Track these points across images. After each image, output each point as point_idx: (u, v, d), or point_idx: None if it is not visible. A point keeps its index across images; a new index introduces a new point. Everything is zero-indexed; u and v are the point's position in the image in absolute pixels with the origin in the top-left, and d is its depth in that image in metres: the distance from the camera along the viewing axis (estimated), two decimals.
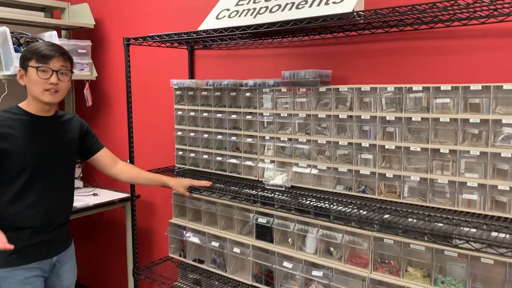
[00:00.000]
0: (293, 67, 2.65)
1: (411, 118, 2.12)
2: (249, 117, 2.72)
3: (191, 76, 3.23)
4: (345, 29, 2.38)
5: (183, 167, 3.14)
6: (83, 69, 3.61)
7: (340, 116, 2.34)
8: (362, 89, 2.25)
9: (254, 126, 2.75)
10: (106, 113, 3.96)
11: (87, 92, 3.63)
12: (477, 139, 1.99)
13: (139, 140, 3.66)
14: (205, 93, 2.93)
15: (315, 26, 2.08)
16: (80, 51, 3.60)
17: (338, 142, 2.37)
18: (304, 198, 2.32)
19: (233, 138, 2.81)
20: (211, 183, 2.52)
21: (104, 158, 2.48)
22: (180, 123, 3.13)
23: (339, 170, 2.38)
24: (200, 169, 3.04)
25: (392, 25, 2.20)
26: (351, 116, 2.31)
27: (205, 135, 2.96)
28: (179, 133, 3.12)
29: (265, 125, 2.70)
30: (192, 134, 3.04)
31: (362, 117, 2.27)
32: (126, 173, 2.53)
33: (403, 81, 2.26)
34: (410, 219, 1.97)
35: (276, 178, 2.56)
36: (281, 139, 2.59)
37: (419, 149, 2.12)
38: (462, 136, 2.00)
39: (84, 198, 3.37)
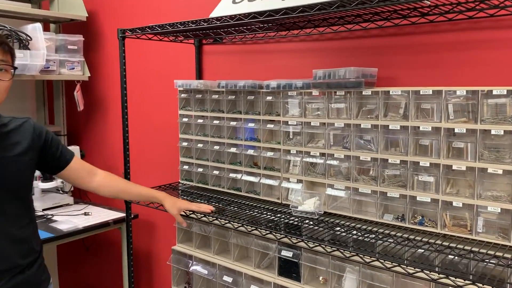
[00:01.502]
0: (326, 64, 2.15)
1: (489, 131, 1.61)
2: (270, 126, 2.22)
3: (199, 76, 2.74)
4: (395, 16, 1.88)
5: (188, 184, 2.65)
6: (73, 68, 3.12)
7: (390, 127, 1.84)
8: (421, 93, 1.75)
9: (277, 137, 2.25)
10: (100, 119, 3.47)
11: (77, 94, 3.14)
12: None
13: (137, 151, 3.16)
14: (216, 96, 2.44)
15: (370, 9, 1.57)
16: (70, 47, 3.12)
17: (387, 160, 1.86)
18: (341, 229, 1.82)
19: (251, 151, 2.31)
20: (212, 208, 2.08)
21: (78, 170, 1.90)
22: (185, 132, 2.63)
23: (388, 195, 1.87)
24: (209, 187, 2.54)
25: (459, 11, 1.69)
26: (405, 127, 1.81)
27: (216, 147, 2.46)
28: (185, 143, 2.62)
29: (291, 136, 2.20)
30: (200, 145, 2.54)
31: (420, 128, 1.76)
32: (108, 186, 1.99)
33: (477, 82, 1.76)
34: (486, 264, 1.47)
35: (305, 202, 2.06)
36: (311, 153, 2.09)
37: (500, 172, 1.61)
38: None
39: (73, 219, 2.88)
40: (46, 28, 3.35)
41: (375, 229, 1.85)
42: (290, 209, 2.03)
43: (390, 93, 1.83)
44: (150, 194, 2.08)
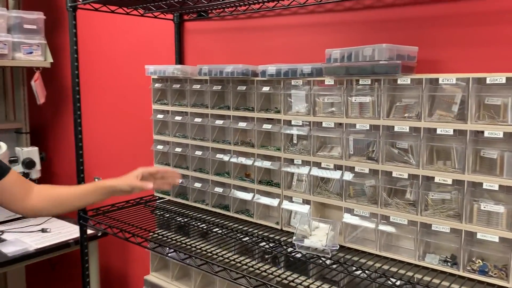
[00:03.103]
0: (344, 43, 1.57)
1: None
2: (267, 126, 1.66)
3: (180, 61, 2.17)
4: None
5: (164, 199, 2.09)
6: (31, 52, 2.57)
7: (438, 131, 1.27)
8: (488, 81, 1.18)
9: (276, 141, 1.69)
10: (67, 114, 2.91)
11: (36, 84, 2.59)
12: None
13: (103, 156, 2.62)
14: (198, 86, 1.87)
15: None
16: (27, 26, 2.57)
17: (432, 178, 1.30)
18: (363, 273, 1.27)
19: (242, 159, 1.75)
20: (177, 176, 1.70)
21: (15, 186, 1.41)
22: (161, 133, 2.07)
23: (432, 227, 1.31)
24: (189, 203, 1.99)
25: None
26: (461, 132, 1.24)
27: (198, 153, 1.90)
28: (160, 147, 2.06)
29: (295, 141, 1.63)
30: (178, 149, 1.98)
31: (485, 134, 1.19)
32: (46, 200, 1.47)
33: None
34: None
35: (314, 233, 1.49)
36: (323, 165, 1.53)
37: None
38: None
39: (26, 238, 2.34)
40: (4, 4, 2.79)
41: (411, 274, 1.30)
42: (294, 243, 1.47)
43: (440, 81, 1.26)
44: (93, 187, 1.55)
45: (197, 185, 1.93)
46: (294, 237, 1.47)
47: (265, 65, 1.61)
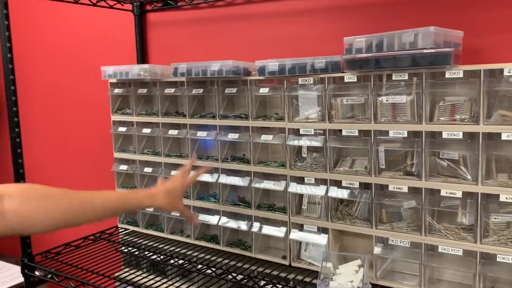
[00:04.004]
0: (365, 29, 1.26)
1: None
2: (267, 138, 1.32)
3: (142, 59, 1.78)
4: None
5: (131, 230, 1.69)
6: None
7: (502, 136, 0.99)
8: None
9: (279, 155, 1.36)
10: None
11: None
12: None
13: (53, 177, 2.15)
14: (172, 90, 1.49)
15: None
16: None
17: (496, 197, 1.01)
18: None
19: (233, 179, 1.40)
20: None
21: None
22: (123, 149, 1.67)
23: (497, 259, 1.03)
24: (165, 235, 1.60)
25: None
26: None
27: (174, 173, 1.52)
28: (123, 167, 1.66)
29: (304, 154, 1.31)
30: (147, 169, 1.59)
31: None
32: (27, 211, 0.89)
33: None
34: None
35: (340, 272, 1.17)
36: (344, 183, 1.21)
37: None
38: None
39: None
40: None
41: None
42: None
43: (506, 73, 0.98)
44: (121, 199, 1.10)
45: (175, 212, 1.55)
46: (318, 284, 1.13)
47: (264, 61, 1.27)
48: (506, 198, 1.01)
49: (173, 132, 1.51)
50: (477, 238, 1.05)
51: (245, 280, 1.28)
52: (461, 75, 1.02)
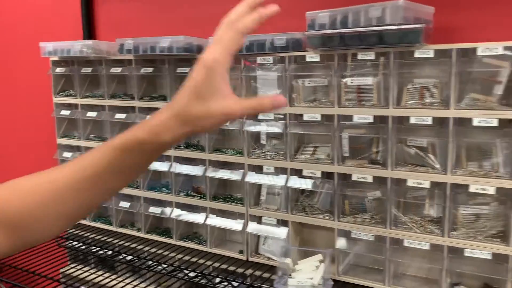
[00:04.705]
0: (329, 3, 1.15)
1: None
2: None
3: (89, 34, 1.61)
4: None
5: (77, 224, 1.55)
6: None
7: (474, 122, 0.91)
8: None
9: (237, 142, 1.25)
10: None
11: None
12: None
13: None
14: (119, 69, 1.35)
15: None
16: None
17: (465, 187, 0.94)
18: None
19: (187, 169, 1.28)
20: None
21: None
22: (67, 135, 1.52)
23: (465, 253, 0.96)
24: (114, 228, 1.47)
25: None
26: (501, 122, 0.89)
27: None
28: (67, 155, 1.51)
29: (263, 141, 1.20)
30: None
31: None
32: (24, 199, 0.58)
33: None
34: None
35: (299, 268, 1.08)
36: (304, 173, 1.11)
37: None
38: None
39: None
40: None
41: None
42: (275, 287, 1.04)
43: (479, 52, 0.89)
44: (120, 143, 0.58)
45: (124, 204, 1.42)
46: (275, 282, 1.04)
47: None
48: (476, 189, 0.94)
49: (120, 116, 1.37)
50: (445, 231, 0.98)
51: (198, 277, 1.18)
52: (431, 54, 0.94)
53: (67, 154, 1.51)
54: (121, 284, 1.27)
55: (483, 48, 0.89)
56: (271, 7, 0.59)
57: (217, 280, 1.15)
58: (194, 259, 1.28)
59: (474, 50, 0.90)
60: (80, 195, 0.57)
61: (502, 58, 0.89)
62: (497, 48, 0.88)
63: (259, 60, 1.13)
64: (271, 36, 1.09)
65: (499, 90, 0.91)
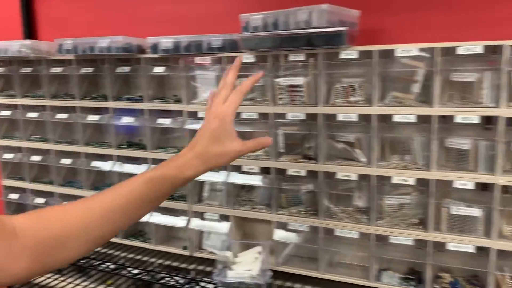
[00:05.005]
0: (264, 5, 1.20)
1: None
2: (164, 121, 1.23)
3: (29, 34, 1.59)
4: None
5: None
6: None
7: (395, 118, 0.99)
8: (458, 52, 0.92)
9: (179, 140, 1.28)
10: None
11: None
12: None
13: None
14: (60, 69, 1.35)
15: None
16: None
17: (389, 178, 1.02)
18: None
19: (129, 167, 1.29)
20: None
21: None
22: (8, 136, 1.50)
23: (390, 240, 1.04)
24: None
25: None
26: (420, 118, 0.97)
27: (66, 161, 1.39)
28: (8, 156, 1.49)
29: None
30: (36, 158, 1.44)
31: (455, 120, 0.94)
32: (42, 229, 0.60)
33: None
34: None
35: (239, 260, 1.13)
36: (244, 168, 1.16)
37: None
38: None
39: None
40: None
41: None
42: (214, 279, 1.08)
43: (398, 54, 0.97)
44: (149, 179, 0.70)
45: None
46: (215, 273, 1.08)
47: (157, 37, 1.17)
48: (398, 180, 1.01)
49: (62, 116, 1.36)
50: (372, 220, 1.05)
51: (141, 274, 1.20)
52: (355, 55, 1.00)
53: (8, 156, 1.48)
54: (64, 284, 1.27)
55: (401, 50, 0.96)
56: (259, 73, 0.80)
57: (160, 276, 1.17)
58: (139, 257, 1.30)
59: (393, 51, 0.97)
60: (112, 222, 0.65)
61: (418, 59, 0.97)
62: (413, 49, 0.95)
63: (197, 60, 1.16)
64: (208, 37, 1.13)
65: (416, 88, 0.99)
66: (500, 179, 0.93)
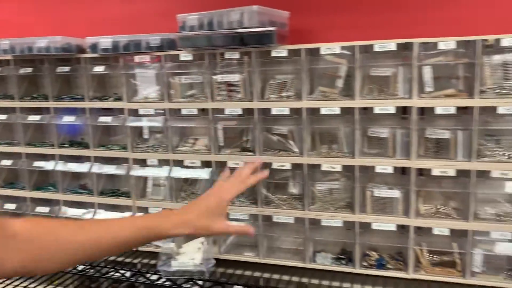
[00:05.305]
0: (200, 6, 1.25)
1: (494, 108, 0.99)
2: (105, 119, 1.26)
3: None
4: None
5: None
6: None
7: (322, 110, 1.07)
8: (376, 49, 1.02)
9: (119, 138, 1.30)
10: None
11: None
12: None
13: None
14: None
15: None
16: None
17: (318, 166, 1.11)
18: None
19: (71, 166, 1.31)
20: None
21: None
22: None
23: (322, 223, 1.12)
24: None
25: None
26: (346, 110, 1.07)
27: (6, 162, 1.38)
28: None
29: (146, 135, 1.27)
30: None
31: (375, 111, 1.04)
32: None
33: (463, 30, 1.08)
34: None
35: (183, 251, 1.17)
36: (186, 162, 1.21)
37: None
38: None
39: None
40: None
41: (306, 280, 1.11)
42: (159, 270, 1.12)
43: (322, 51, 1.06)
44: (138, 226, 0.77)
45: (9, 206, 1.40)
46: (159, 263, 1.12)
47: (95, 37, 1.20)
48: (327, 168, 1.10)
49: (1, 117, 1.35)
50: (305, 205, 1.13)
51: (86, 270, 1.21)
52: (285, 54, 1.08)
53: None
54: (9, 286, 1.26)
55: (325, 48, 1.05)
56: (265, 172, 0.92)
57: (105, 270, 1.20)
58: None
59: (318, 49, 1.06)
60: (96, 250, 0.70)
61: (340, 56, 1.06)
62: (336, 47, 1.04)
63: (137, 59, 1.20)
64: (146, 36, 1.17)
65: (340, 83, 1.08)
66: (415, 163, 1.03)
